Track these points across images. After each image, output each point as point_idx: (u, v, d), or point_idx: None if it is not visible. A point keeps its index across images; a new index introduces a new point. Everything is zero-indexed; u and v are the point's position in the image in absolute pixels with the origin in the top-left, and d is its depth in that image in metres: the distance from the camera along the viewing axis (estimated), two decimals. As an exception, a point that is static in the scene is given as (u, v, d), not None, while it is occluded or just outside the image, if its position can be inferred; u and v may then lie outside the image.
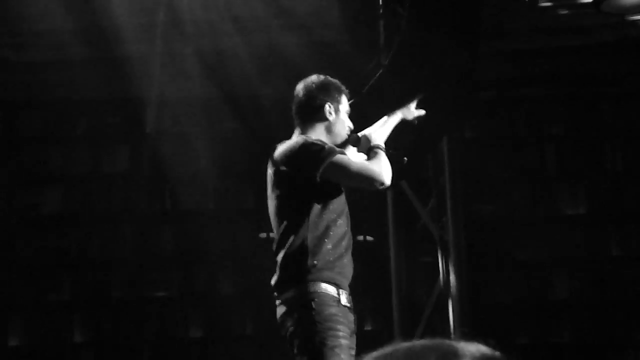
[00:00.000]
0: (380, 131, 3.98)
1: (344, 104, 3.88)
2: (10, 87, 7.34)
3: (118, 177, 7.31)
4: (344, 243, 3.63)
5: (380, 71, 5.69)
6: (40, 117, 7.49)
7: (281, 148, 3.68)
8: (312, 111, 3.81)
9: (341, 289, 3.57)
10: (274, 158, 3.68)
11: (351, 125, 3.89)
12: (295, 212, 3.62)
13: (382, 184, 3.61)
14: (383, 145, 3.81)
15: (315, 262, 3.51)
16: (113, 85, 7.02)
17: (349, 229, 3.73)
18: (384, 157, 3.69)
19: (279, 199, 3.67)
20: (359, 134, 3.90)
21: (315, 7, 6.68)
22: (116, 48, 6.74)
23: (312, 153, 3.58)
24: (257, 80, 6.70)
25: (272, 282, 3.63)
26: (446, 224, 6.37)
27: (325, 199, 3.62)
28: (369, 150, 3.78)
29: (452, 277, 6.29)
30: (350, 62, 6.15)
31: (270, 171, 3.70)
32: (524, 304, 6.99)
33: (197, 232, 7.17)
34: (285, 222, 3.63)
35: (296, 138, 3.71)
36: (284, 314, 3.56)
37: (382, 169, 3.61)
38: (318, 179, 3.54)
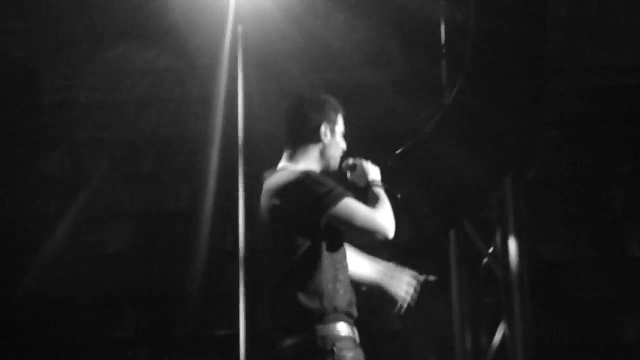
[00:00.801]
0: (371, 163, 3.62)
1: (340, 124, 3.56)
2: (79, 126, 7.52)
3: (182, 215, 7.40)
4: (349, 283, 3.36)
5: (443, 110, 5.69)
6: (107, 156, 7.64)
7: (278, 180, 3.37)
8: (306, 132, 3.48)
9: (354, 326, 3.31)
10: (272, 190, 3.36)
11: (345, 147, 3.57)
12: (304, 251, 3.28)
13: (387, 237, 3.31)
14: (380, 181, 3.50)
15: (330, 304, 3.23)
16: (178, 124, 7.15)
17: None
18: (387, 201, 3.39)
19: (281, 235, 3.32)
20: (353, 161, 3.55)
21: (380, 46, 6.72)
22: (179, 88, 6.89)
23: (317, 195, 3.26)
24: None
25: (274, 324, 3.32)
26: (510, 264, 6.28)
27: (333, 238, 3.31)
28: (367, 186, 3.46)
29: (516, 319, 6.19)
30: (412, 101, 6.16)
31: (267, 203, 3.38)
32: (591, 346, 6.83)
33: (259, 269, 7.19)
34: (292, 260, 3.28)
35: (297, 172, 3.35)
36: (300, 357, 3.23)
37: (388, 220, 3.31)
38: (322, 225, 3.25)
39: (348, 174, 3.50)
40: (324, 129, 3.46)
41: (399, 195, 3.52)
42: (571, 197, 7.08)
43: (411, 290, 3.75)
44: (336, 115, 3.52)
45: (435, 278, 6.96)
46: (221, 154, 7.10)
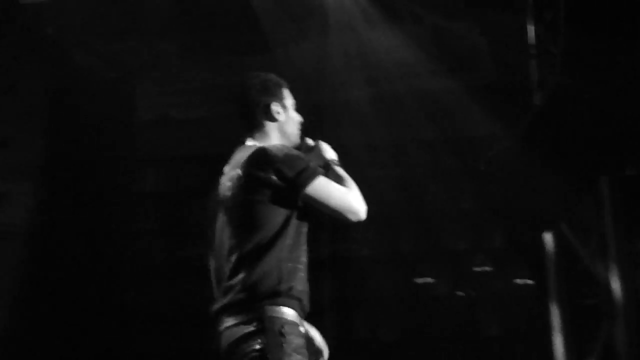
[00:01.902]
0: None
1: (289, 99, 3.49)
2: (173, 143, 7.67)
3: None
4: (304, 259, 3.19)
5: (535, 112, 5.60)
6: (201, 171, 7.76)
7: (249, 152, 3.22)
8: (259, 115, 3.41)
9: (303, 316, 3.14)
10: (241, 161, 3.20)
11: (301, 119, 3.51)
12: (266, 227, 3.10)
13: (360, 218, 3.18)
14: (338, 161, 3.41)
15: (286, 285, 3.05)
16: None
17: None
18: (353, 181, 3.27)
19: (243, 207, 3.14)
20: (311, 141, 3.51)
21: (466, 50, 6.68)
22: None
23: (295, 170, 3.13)
24: (420, 123, 6.75)
25: (226, 301, 3.09)
26: (609, 265, 6.13)
27: (302, 217, 3.17)
28: (327, 165, 3.35)
29: (618, 322, 6.04)
30: (502, 104, 6.09)
31: (232, 173, 3.23)
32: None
33: (354, 278, 7.21)
34: (256, 235, 3.09)
35: (273, 144, 3.27)
36: (245, 336, 3.01)
37: (360, 199, 3.19)
38: (298, 202, 3.13)
39: (306, 154, 3.39)
40: (274, 107, 3.42)
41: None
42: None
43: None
44: (281, 90, 3.48)
45: (533, 282, 6.91)
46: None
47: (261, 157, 3.17)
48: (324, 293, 7.37)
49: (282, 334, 2.98)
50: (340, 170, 3.33)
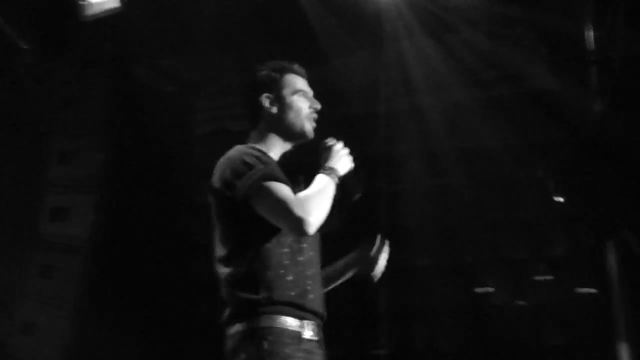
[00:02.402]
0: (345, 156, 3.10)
1: (291, 85, 3.18)
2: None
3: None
4: (309, 272, 2.98)
5: (595, 118, 5.53)
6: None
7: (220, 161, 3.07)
8: (253, 111, 3.17)
9: (306, 320, 2.94)
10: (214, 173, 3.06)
11: (316, 105, 3.20)
12: (239, 236, 2.96)
13: (301, 234, 2.86)
14: (340, 172, 3.04)
15: (270, 295, 2.87)
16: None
17: (318, 251, 3.10)
18: (325, 193, 2.93)
19: (219, 221, 3.02)
20: (330, 142, 3.12)
21: (523, 57, 6.63)
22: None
23: (235, 175, 2.93)
24: (478, 131, 6.72)
25: (225, 313, 2.99)
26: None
27: (268, 224, 2.92)
28: (320, 170, 3.05)
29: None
30: (563, 110, 6.03)
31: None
32: None
33: (413, 287, 7.18)
34: (229, 249, 2.97)
35: (231, 151, 3.06)
36: (229, 352, 2.91)
37: (309, 213, 2.83)
38: (240, 207, 2.91)
39: (322, 154, 3.12)
40: (265, 102, 3.15)
41: (357, 196, 3.16)
42: None
43: (383, 260, 3.34)
44: (281, 77, 3.19)
45: (596, 291, 6.80)
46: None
47: (217, 167, 3.03)
48: (381, 303, 7.35)
49: (262, 346, 2.84)
50: (326, 181, 2.99)
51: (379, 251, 3.32)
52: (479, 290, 7.31)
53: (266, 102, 3.16)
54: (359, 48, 6.95)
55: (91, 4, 6.30)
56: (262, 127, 3.17)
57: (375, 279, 3.33)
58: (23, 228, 6.45)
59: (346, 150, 3.12)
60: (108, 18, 6.34)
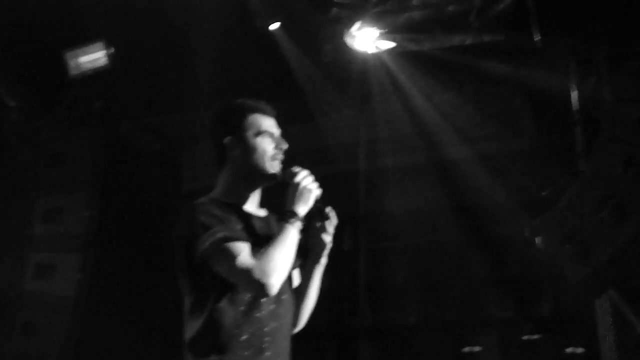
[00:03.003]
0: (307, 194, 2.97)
1: (254, 126, 3.06)
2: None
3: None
4: (267, 328, 2.88)
5: (581, 178, 5.56)
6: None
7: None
8: (218, 154, 3.07)
9: None
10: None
11: (282, 145, 3.10)
12: (195, 295, 2.89)
13: (266, 295, 2.81)
14: (302, 212, 2.93)
15: (221, 358, 2.80)
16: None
17: (285, 300, 2.98)
18: (289, 247, 2.85)
19: (181, 278, 2.96)
20: (295, 170, 3.03)
21: (509, 116, 6.68)
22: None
23: (197, 235, 2.84)
24: (462, 190, 6.74)
25: None
26: (663, 333, 5.99)
27: (225, 280, 2.83)
28: (280, 218, 2.94)
29: (674, 391, 5.88)
30: (547, 170, 6.06)
31: None
32: None
33: (399, 346, 7.14)
34: (187, 311, 2.91)
35: (189, 207, 2.95)
36: None
37: (273, 274, 2.76)
38: (196, 268, 2.84)
39: (285, 185, 3.04)
40: (228, 143, 3.05)
41: (327, 210, 3.08)
42: None
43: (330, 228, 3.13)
44: (244, 118, 3.07)
45: (584, 350, 6.77)
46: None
47: (177, 224, 2.96)
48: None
49: None
50: (288, 231, 2.89)
51: (323, 224, 3.12)
52: (465, 349, 7.27)
53: (229, 145, 3.05)
54: (344, 106, 7.00)
55: (79, 62, 6.33)
56: (227, 170, 3.07)
57: (329, 247, 3.14)
58: (7, 286, 6.39)
59: (310, 179, 3.02)
60: (96, 76, 6.37)
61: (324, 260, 3.18)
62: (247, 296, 2.87)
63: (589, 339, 6.50)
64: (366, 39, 6.21)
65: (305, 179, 3.01)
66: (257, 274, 2.76)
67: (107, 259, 6.40)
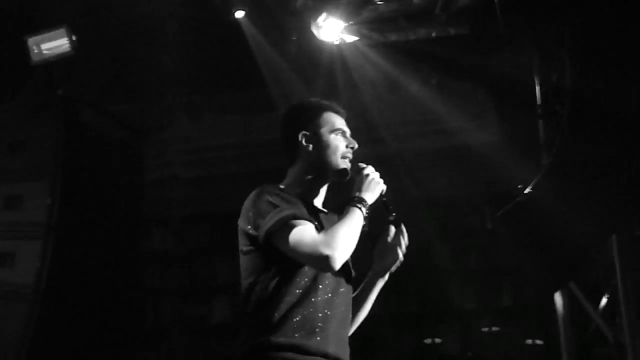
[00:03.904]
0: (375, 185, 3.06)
1: (329, 123, 3.17)
2: (179, 203, 7.69)
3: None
4: (321, 314, 2.91)
5: (542, 172, 5.61)
6: (207, 230, 7.77)
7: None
8: (291, 149, 3.16)
9: None
10: None
11: (354, 144, 3.18)
12: (254, 277, 2.96)
13: (329, 269, 2.85)
14: (369, 201, 3.02)
15: (271, 338, 2.85)
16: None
17: (343, 292, 3.02)
18: (355, 227, 2.91)
19: (243, 260, 3.03)
20: (361, 166, 3.11)
21: (473, 110, 6.72)
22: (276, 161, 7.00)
23: (257, 214, 2.93)
24: (426, 182, 6.77)
25: None
26: (621, 325, 6.07)
27: (287, 261, 2.90)
28: (346, 203, 3.00)
29: (630, 382, 5.96)
30: (510, 163, 6.11)
31: None
32: None
33: (360, 338, 7.16)
34: (245, 287, 2.97)
35: (256, 190, 3.02)
36: None
37: (337, 248, 2.82)
38: (262, 246, 2.92)
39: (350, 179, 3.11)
40: (302, 139, 3.15)
41: (392, 216, 3.16)
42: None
43: (404, 244, 3.22)
44: (318, 116, 3.18)
45: (542, 342, 6.84)
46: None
47: (243, 207, 3.01)
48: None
49: None
50: (353, 213, 2.96)
51: (397, 237, 3.21)
52: (427, 341, 7.32)
53: (303, 140, 3.15)
54: (310, 96, 6.98)
55: (42, 49, 6.26)
56: (298, 165, 3.16)
57: (399, 263, 3.21)
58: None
59: (376, 174, 3.10)
60: (59, 62, 6.30)
61: (387, 276, 3.26)
62: (304, 279, 2.92)
63: (548, 331, 6.58)
64: (332, 30, 6.21)
65: (372, 172, 3.10)
66: (321, 247, 2.81)
67: (68, 247, 6.33)
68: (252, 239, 2.96)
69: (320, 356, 2.89)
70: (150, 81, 6.72)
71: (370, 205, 3.03)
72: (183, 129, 7.56)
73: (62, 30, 6.20)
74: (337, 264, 2.83)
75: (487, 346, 7.18)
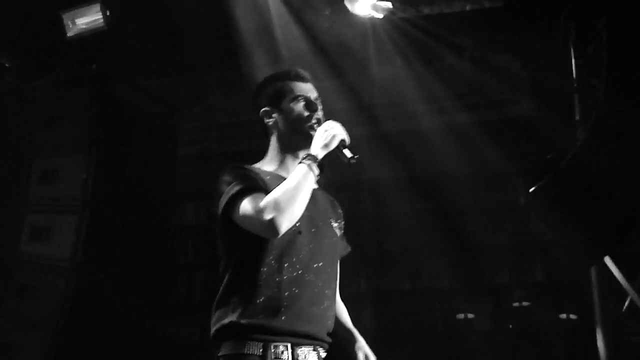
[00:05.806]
0: (332, 135, 2.94)
1: (288, 92, 3.06)
2: (213, 178, 7.73)
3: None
4: (287, 293, 2.84)
5: (577, 146, 5.56)
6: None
7: None
8: (261, 128, 3.12)
9: (274, 342, 2.81)
10: None
11: (316, 107, 3.05)
12: (225, 255, 2.93)
13: (277, 233, 2.76)
14: (320, 154, 2.90)
15: (236, 319, 2.82)
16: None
17: (309, 273, 2.91)
18: (297, 185, 2.80)
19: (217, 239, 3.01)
20: (323, 123, 3.01)
21: (508, 83, 6.67)
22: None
23: (219, 192, 2.89)
24: (454, 158, 6.74)
25: None
26: (657, 300, 6.03)
27: (252, 241, 2.84)
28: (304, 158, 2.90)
29: (665, 358, 5.93)
30: (545, 137, 6.06)
31: None
32: None
33: (394, 312, 7.18)
34: (220, 270, 2.95)
35: (234, 166, 2.99)
36: None
37: (284, 211, 2.74)
38: (221, 224, 2.89)
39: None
40: (263, 116, 3.09)
41: (354, 158, 2.97)
42: None
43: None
44: (274, 90, 3.09)
45: (577, 317, 6.80)
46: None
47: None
48: (363, 327, 7.33)
49: None
50: (298, 175, 2.85)
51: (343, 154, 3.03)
52: (459, 316, 7.32)
53: (264, 117, 3.10)
54: (340, 72, 6.96)
55: (76, 24, 6.29)
56: (271, 142, 3.11)
57: None
58: (3, 248, 6.39)
59: (334, 126, 2.97)
60: (93, 38, 6.33)
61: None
62: (269, 258, 2.86)
63: (582, 306, 6.55)
64: (365, 3, 6.17)
65: (328, 125, 2.98)
66: (264, 212, 2.75)
67: (102, 221, 6.40)
68: (218, 221, 2.93)
69: (288, 335, 2.84)
70: (184, 56, 6.73)
71: (328, 156, 2.94)
72: (216, 104, 7.58)
73: (96, 6, 6.23)
74: (283, 226, 2.75)
75: (519, 321, 7.16)
